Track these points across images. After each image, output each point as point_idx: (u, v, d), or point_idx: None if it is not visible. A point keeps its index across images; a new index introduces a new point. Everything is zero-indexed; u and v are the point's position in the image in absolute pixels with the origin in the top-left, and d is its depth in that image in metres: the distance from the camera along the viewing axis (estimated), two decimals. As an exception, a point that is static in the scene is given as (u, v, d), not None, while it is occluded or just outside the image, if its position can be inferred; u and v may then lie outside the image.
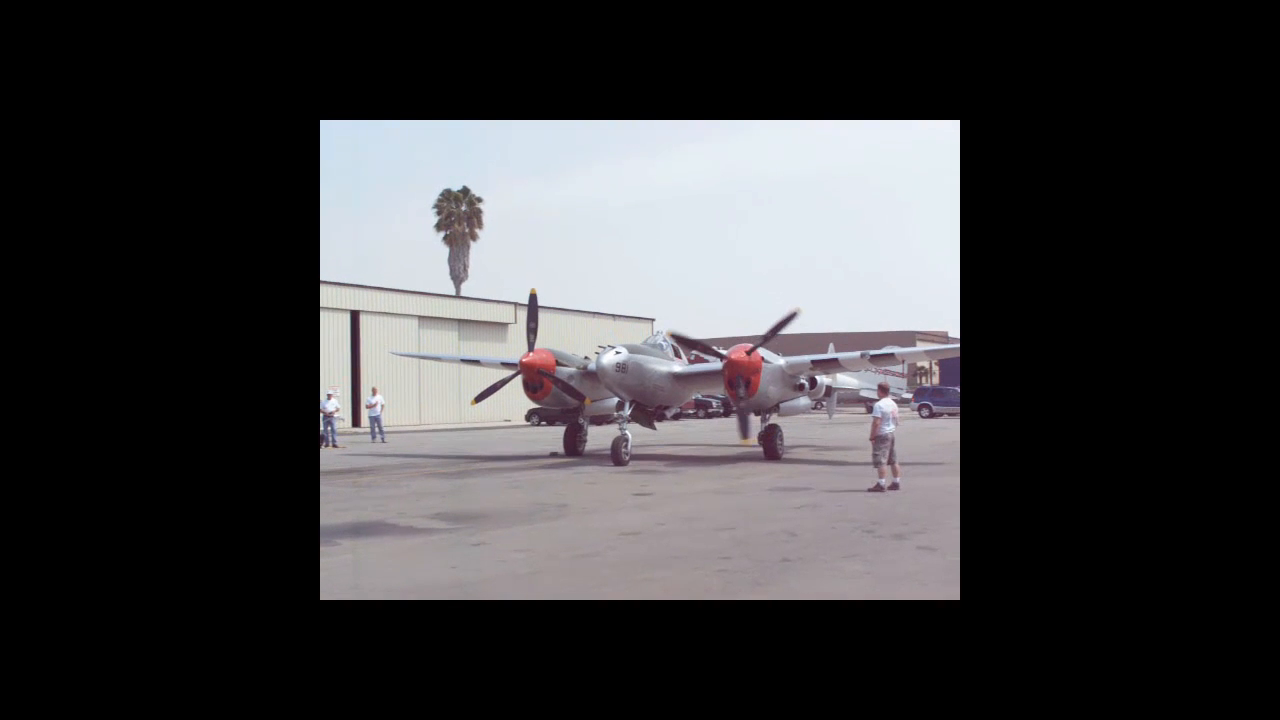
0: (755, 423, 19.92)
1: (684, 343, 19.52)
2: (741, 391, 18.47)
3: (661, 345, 20.91)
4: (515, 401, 28.36)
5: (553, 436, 26.68)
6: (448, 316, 42.17)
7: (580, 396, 20.04)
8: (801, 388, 20.27)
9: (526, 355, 19.80)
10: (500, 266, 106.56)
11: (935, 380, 59.47)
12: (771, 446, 19.61)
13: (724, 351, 19.08)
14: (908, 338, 61.48)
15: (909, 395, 47.65)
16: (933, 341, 61.07)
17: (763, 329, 18.73)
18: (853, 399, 41.04)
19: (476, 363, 28.90)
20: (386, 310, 39.00)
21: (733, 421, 31.61)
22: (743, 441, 19.56)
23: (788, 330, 18.79)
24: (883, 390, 14.63)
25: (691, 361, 21.40)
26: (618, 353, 19.05)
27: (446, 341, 41.15)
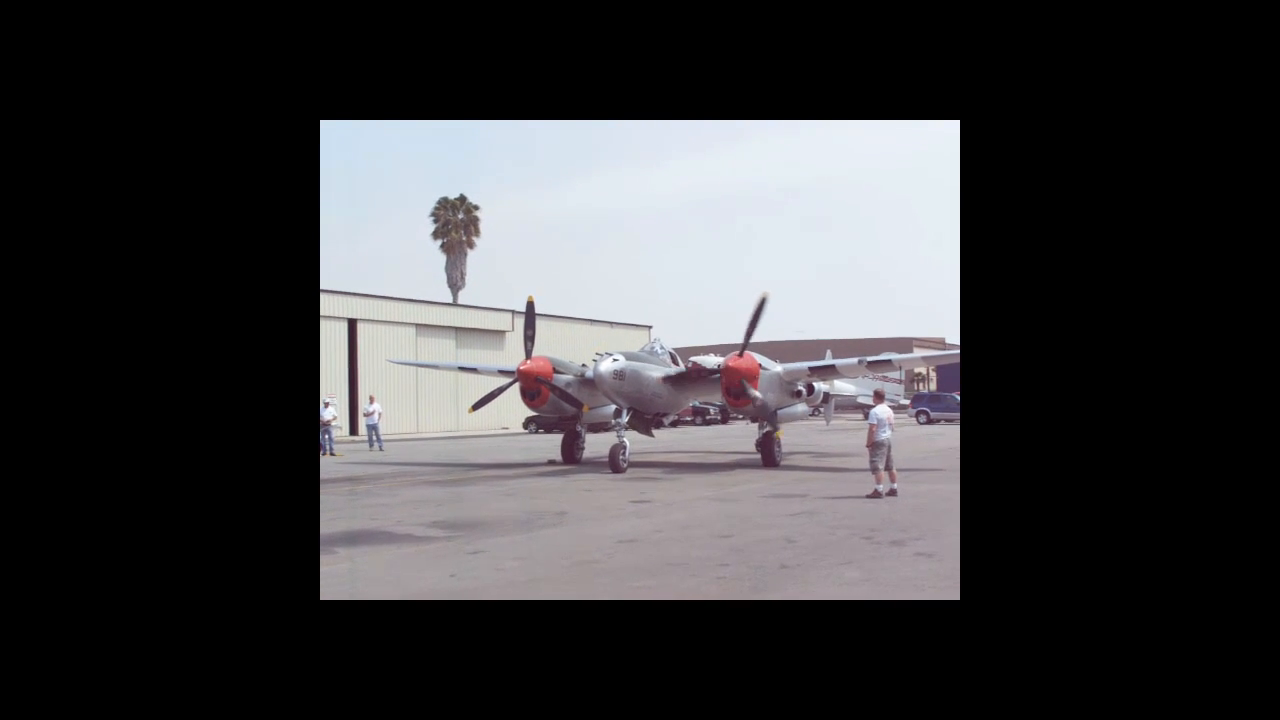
0: (753, 429, 19.92)
1: (756, 314, 19.02)
2: (752, 393, 18.39)
3: (659, 352, 20.91)
4: (513, 409, 28.34)
5: (550, 444, 26.65)
6: (445, 324, 42.15)
7: (578, 404, 20.01)
8: (799, 394, 20.27)
9: (524, 363, 19.76)
10: (498, 274, 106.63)
11: (933, 386, 59.57)
12: (769, 453, 19.60)
13: (717, 360, 19.05)
14: (905, 344, 61.56)
15: (906, 401, 47.70)
16: (930, 348, 61.13)
17: (760, 334, 18.73)
18: (850, 405, 41.06)
19: (474, 370, 28.88)
20: (384, 318, 38.95)
21: (733, 429, 31.62)
22: (777, 435, 19.54)
23: (787, 338, 18.80)
24: (878, 397, 14.64)
25: (688, 368, 21.39)
26: (615, 360, 19.04)
27: (444, 349, 41.11)
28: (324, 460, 23.73)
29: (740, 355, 18.50)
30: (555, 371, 20.02)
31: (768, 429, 20.02)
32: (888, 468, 13.57)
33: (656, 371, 19.92)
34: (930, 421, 42.25)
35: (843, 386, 34.83)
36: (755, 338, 18.61)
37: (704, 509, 12.75)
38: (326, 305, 34.88)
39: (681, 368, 21.11)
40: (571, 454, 21.46)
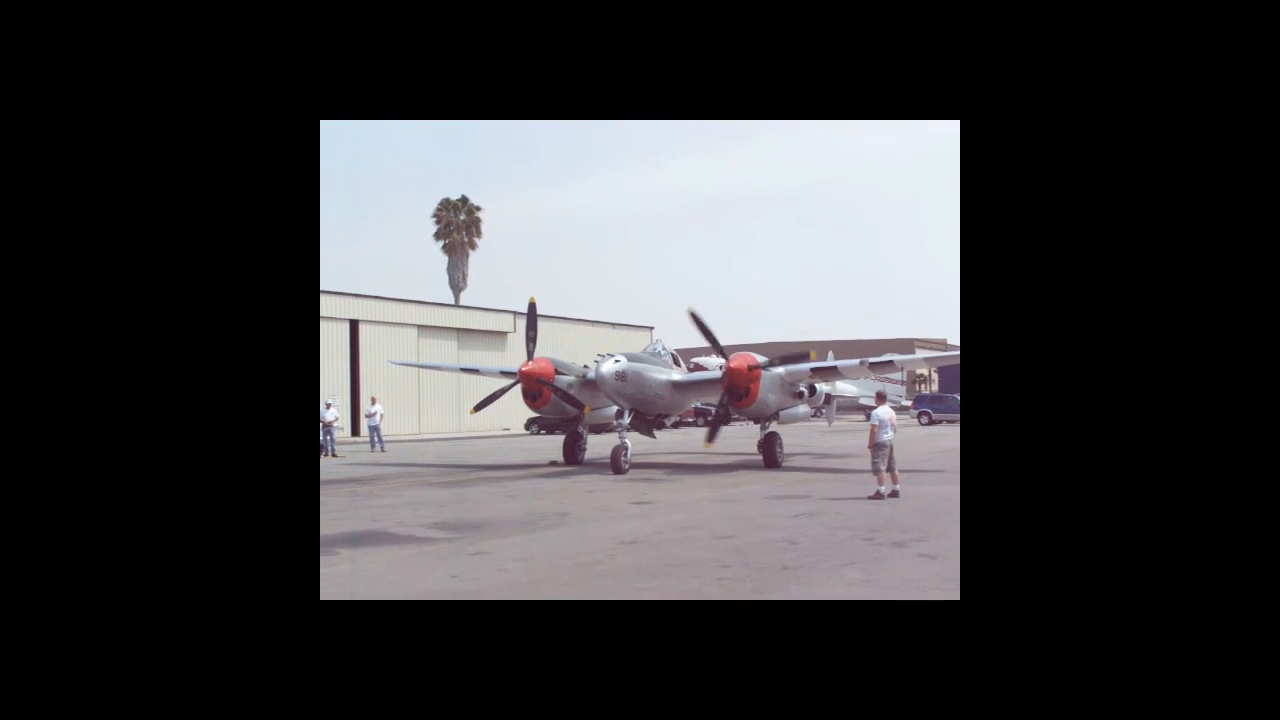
0: (741, 429, 19.88)
1: (700, 329, 18.87)
2: (762, 377, 18.33)
3: (661, 353, 20.90)
4: (514, 410, 28.34)
5: (552, 445, 26.65)
6: (446, 325, 42.18)
7: (580, 405, 20.00)
8: (801, 395, 20.27)
9: (526, 364, 19.78)
10: (499, 275, 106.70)
11: (934, 388, 59.54)
12: (771, 454, 19.59)
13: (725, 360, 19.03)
14: (907, 345, 61.54)
15: (908, 403, 47.68)
16: (932, 349, 61.11)
17: (762, 336, 18.77)
18: (852, 406, 41.06)
19: (476, 372, 28.90)
20: (385, 319, 38.99)
21: (734, 430, 31.54)
22: (707, 445, 19.48)
23: (785, 338, 18.79)
24: (880, 398, 14.64)
25: (690, 369, 21.39)
26: (617, 361, 19.02)
27: (445, 350, 41.14)
28: (326, 461, 23.75)
29: (750, 369, 18.40)
30: (557, 372, 20.03)
31: (769, 430, 20.02)
32: (889, 469, 13.56)
33: (658, 373, 19.91)
34: (932, 422, 42.21)
35: (845, 388, 34.82)
36: (755, 339, 18.64)
37: (706, 510, 12.75)
38: (328, 306, 34.91)
39: (683, 369, 21.10)
40: (573, 455, 21.46)
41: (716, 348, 18.49)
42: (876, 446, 13.51)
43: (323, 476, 18.15)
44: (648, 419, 21.00)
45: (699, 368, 21.20)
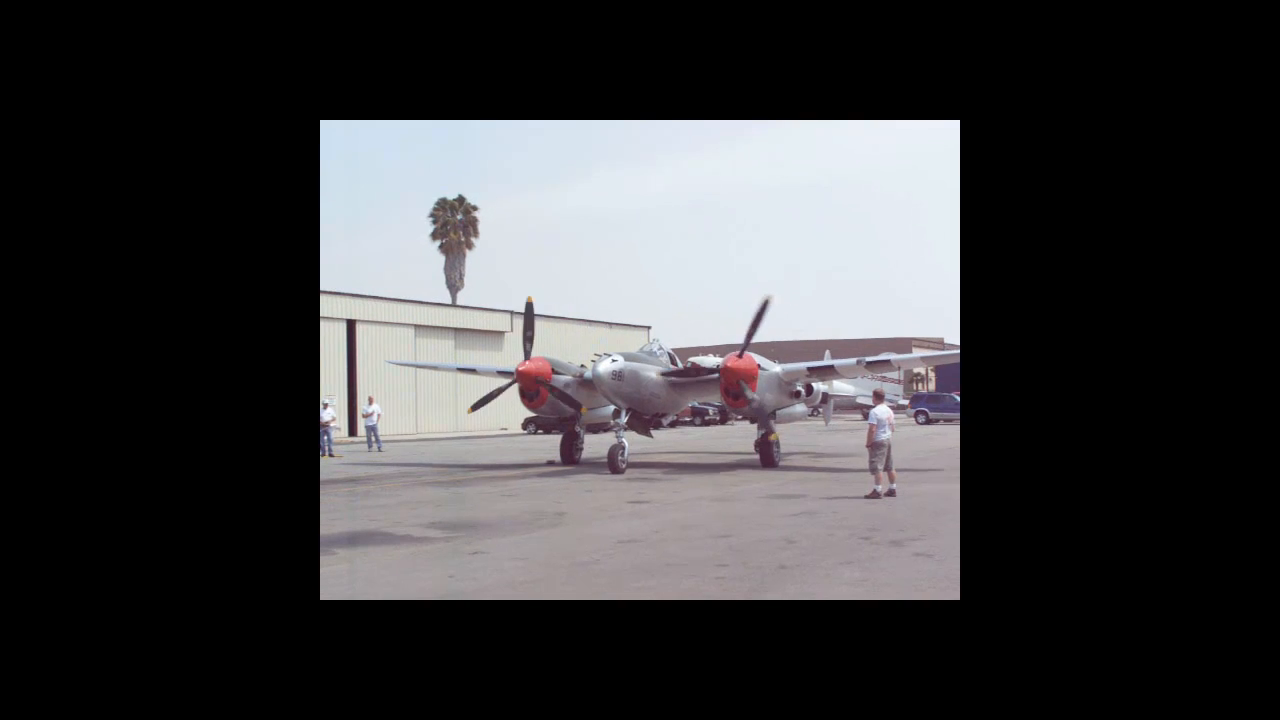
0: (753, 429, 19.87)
1: (757, 315, 18.58)
2: (749, 394, 18.38)
3: (657, 353, 20.91)
4: (512, 410, 28.34)
5: (549, 445, 26.65)
6: (444, 325, 42.16)
7: (576, 405, 19.99)
8: (798, 394, 20.29)
9: (523, 364, 19.78)
10: (496, 275, 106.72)
11: (931, 387, 59.59)
12: (768, 453, 19.61)
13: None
14: (904, 344, 61.60)
15: (905, 402, 47.72)
16: (929, 348, 61.16)
17: (760, 335, 18.71)
18: (849, 406, 41.11)
19: (473, 371, 28.91)
20: (382, 319, 38.95)
21: (731, 429, 31.52)
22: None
23: (785, 338, 18.77)
24: (878, 397, 14.65)
25: (688, 368, 21.40)
26: (614, 361, 19.04)
27: (443, 350, 41.11)
28: (323, 461, 23.72)
29: (740, 356, 18.51)
30: (554, 372, 20.03)
31: (765, 430, 20.04)
32: (887, 468, 13.58)
33: (655, 372, 19.92)
34: (929, 421, 42.24)
35: (842, 387, 34.88)
36: (755, 338, 18.59)
37: (703, 509, 12.75)
38: (325, 306, 34.86)
39: (680, 368, 21.11)
40: (570, 454, 21.46)
41: (748, 338, 18.48)
42: (874, 445, 13.53)
43: (320, 476, 18.13)
44: (645, 418, 21.01)
45: (696, 366, 21.19)
